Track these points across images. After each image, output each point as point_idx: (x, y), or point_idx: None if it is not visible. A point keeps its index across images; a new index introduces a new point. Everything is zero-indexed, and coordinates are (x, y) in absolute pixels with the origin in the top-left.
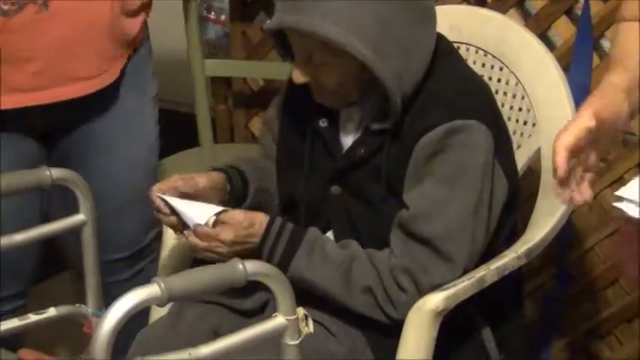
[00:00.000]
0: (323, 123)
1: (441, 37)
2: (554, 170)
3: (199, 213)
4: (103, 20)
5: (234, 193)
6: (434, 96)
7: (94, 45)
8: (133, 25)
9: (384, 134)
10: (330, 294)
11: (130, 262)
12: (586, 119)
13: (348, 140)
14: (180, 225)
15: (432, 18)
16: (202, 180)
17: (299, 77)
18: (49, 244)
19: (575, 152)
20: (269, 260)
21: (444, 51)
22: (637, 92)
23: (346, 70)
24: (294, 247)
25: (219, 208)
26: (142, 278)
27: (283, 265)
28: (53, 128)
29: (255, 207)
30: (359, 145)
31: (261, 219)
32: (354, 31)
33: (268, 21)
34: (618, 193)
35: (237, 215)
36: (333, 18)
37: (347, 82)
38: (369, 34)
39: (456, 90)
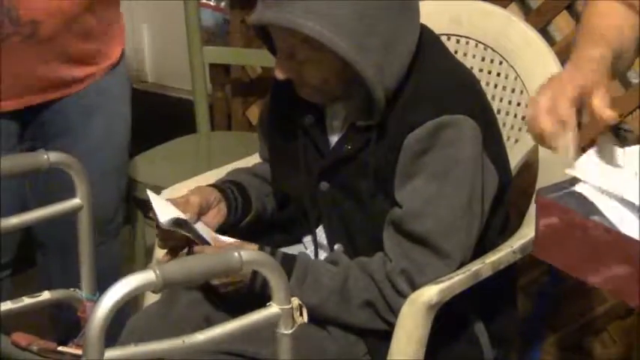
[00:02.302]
0: (309, 120)
1: (424, 29)
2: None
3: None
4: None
5: (231, 206)
6: (419, 91)
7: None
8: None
9: (370, 130)
10: (328, 316)
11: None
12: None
13: (334, 137)
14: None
15: (414, 11)
16: (196, 201)
17: (281, 73)
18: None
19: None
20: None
21: (428, 43)
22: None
23: (328, 66)
24: (287, 275)
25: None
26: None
27: None
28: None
29: (261, 214)
30: (345, 141)
31: (251, 246)
32: (335, 26)
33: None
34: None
35: (226, 240)
36: (313, 14)
37: (330, 78)
38: (349, 29)
39: (441, 84)
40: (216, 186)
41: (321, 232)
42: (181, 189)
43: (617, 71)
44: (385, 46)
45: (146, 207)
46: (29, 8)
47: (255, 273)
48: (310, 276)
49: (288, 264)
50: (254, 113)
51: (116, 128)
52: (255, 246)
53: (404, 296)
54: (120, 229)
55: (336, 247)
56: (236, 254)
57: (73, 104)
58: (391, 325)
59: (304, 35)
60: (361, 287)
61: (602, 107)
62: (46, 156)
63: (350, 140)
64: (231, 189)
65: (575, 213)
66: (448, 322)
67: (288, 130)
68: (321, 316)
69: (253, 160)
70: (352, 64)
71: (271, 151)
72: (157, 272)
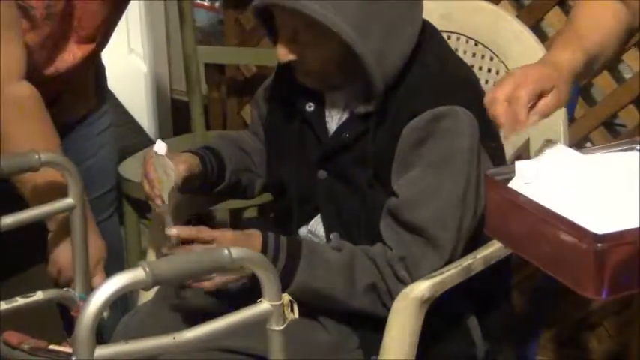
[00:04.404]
0: (309, 107)
1: (426, 23)
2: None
3: None
4: None
5: (207, 175)
6: (419, 81)
7: None
8: None
9: (369, 118)
10: (334, 299)
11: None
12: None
13: (334, 125)
14: None
15: (416, 3)
16: (182, 168)
17: (284, 55)
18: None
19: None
20: None
21: (430, 36)
22: (588, 69)
23: (330, 50)
24: (296, 260)
25: None
26: None
27: (287, 279)
28: None
29: (233, 187)
30: (344, 129)
31: (256, 234)
32: (338, 9)
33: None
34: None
35: (228, 234)
36: None
37: (330, 63)
38: (352, 13)
39: (440, 76)
40: (197, 153)
41: (317, 222)
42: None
43: (592, 70)
44: (386, 32)
45: (140, 207)
46: None
47: (264, 252)
48: (319, 257)
49: (295, 247)
50: (249, 113)
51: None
52: (258, 233)
53: (404, 283)
54: (117, 202)
55: (332, 236)
56: (226, 251)
57: None
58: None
59: (307, 17)
60: (366, 270)
61: (539, 111)
62: (37, 156)
63: (349, 128)
64: (210, 160)
65: (513, 192)
66: (441, 316)
67: (288, 118)
68: (328, 298)
69: None
70: (353, 47)
71: (270, 139)
72: (147, 269)
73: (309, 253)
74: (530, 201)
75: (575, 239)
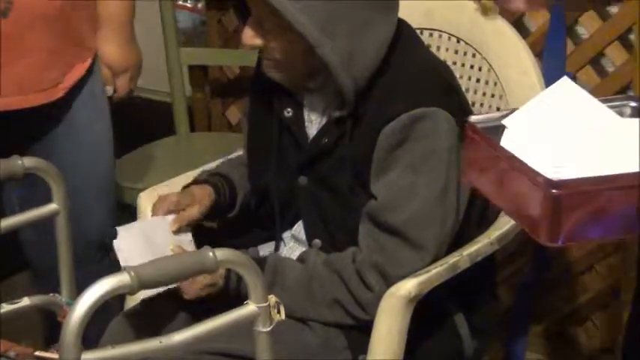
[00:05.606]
0: (288, 113)
1: (403, 24)
2: None
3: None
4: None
5: (219, 203)
6: (395, 83)
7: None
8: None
9: (346, 122)
10: (297, 316)
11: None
12: None
13: (314, 129)
14: None
15: (390, 4)
16: (198, 192)
17: (249, 37)
18: (11, 240)
19: None
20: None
21: (406, 38)
22: None
23: (293, 44)
24: None
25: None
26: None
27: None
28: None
29: (245, 209)
30: (323, 134)
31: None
32: (303, 7)
33: None
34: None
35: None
36: None
37: (294, 58)
38: (317, 11)
39: (417, 77)
40: (210, 181)
41: (301, 226)
42: (161, 189)
43: None
44: (355, 33)
45: (129, 211)
46: None
47: (228, 276)
48: (279, 282)
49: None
50: (233, 113)
51: (102, 148)
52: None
53: (372, 290)
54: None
55: (313, 242)
56: (210, 254)
57: (57, 117)
58: (361, 321)
59: (272, 6)
60: (327, 286)
61: None
62: (20, 161)
63: (327, 133)
64: (223, 187)
65: (488, 139)
66: (428, 314)
67: (268, 125)
68: (291, 317)
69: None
70: (313, 45)
71: (250, 145)
72: (132, 274)
73: (270, 273)
74: (500, 147)
75: (532, 185)
